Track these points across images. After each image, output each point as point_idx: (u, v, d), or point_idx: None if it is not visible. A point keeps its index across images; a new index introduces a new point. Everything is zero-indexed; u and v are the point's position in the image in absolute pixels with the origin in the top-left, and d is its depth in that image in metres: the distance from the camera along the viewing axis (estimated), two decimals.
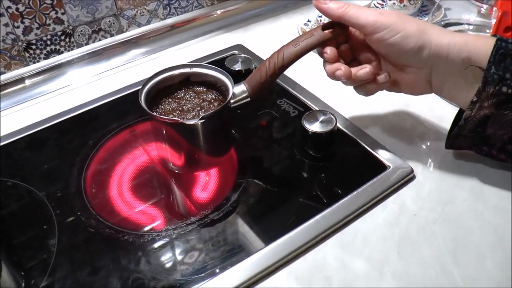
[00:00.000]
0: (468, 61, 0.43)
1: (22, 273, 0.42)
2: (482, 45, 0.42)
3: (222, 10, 0.79)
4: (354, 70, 0.47)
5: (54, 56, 0.68)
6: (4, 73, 0.65)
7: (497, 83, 0.41)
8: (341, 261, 0.42)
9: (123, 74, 0.69)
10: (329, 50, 0.47)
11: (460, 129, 0.47)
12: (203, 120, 0.45)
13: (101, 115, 0.61)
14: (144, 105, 0.47)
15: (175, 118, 0.46)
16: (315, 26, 0.74)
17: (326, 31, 0.48)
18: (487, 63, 0.41)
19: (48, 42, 0.66)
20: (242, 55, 0.65)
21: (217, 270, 0.41)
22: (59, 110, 0.61)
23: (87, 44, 0.70)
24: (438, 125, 0.56)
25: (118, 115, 0.60)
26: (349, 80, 0.47)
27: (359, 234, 0.45)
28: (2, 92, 0.64)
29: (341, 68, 0.46)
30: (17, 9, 0.61)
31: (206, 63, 0.52)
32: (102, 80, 0.68)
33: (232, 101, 0.48)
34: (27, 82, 0.66)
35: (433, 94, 0.48)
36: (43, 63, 0.67)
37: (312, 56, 0.50)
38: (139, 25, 0.73)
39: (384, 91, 0.50)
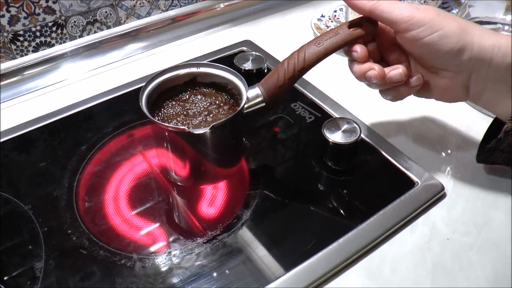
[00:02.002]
0: None
1: None
2: None
3: (228, 3, 0.73)
4: (386, 70, 0.42)
5: (44, 49, 0.61)
6: None
7: None
8: None
9: (120, 70, 0.63)
10: (360, 49, 0.42)
11: (498, 143, 0.41)
12: (212, 130, 0.39)
13: (96, 116, 0.55)
14: (145, 109, 0.41)
15: (181, 127, 0.40)
16: (330, 22, 0.69)
17: (354, 29, 0.42)
18: None
19: (38, 34, 0.60)
20: (253, 52, 0.59)
21: None
22: (49, 110, 0.55)
23: (81, 36, 0.63)
24: (467, 135, 0.51)
25: (115, 116, 0.54)
26: (381, 81, 0.41)
27: (386, 260, 0.40)
28: None
29: (374, 68, 0.41)
30: None
31: (214, 61, 0.46)
32: (97, 76, 0.62)
33: (245, 106, 0.42)
34: (13, 77, 0.60)
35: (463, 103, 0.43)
36: (32, 57, 0.61)
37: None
38: (139, 17, 0.67)
39: (408, 97, 0.45)
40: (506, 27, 0.55)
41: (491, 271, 0.39)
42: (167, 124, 0.40)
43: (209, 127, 0.39)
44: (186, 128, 0.39)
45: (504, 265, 0.39)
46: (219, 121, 0.39)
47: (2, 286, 0.38)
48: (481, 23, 0.58)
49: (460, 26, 0.39)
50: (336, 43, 0.42)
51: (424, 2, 0.70)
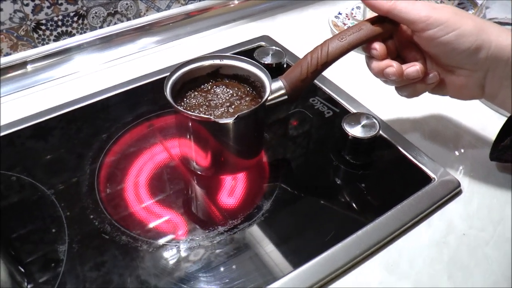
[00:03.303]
0: None
1: (27, 285, 0.38)
2: None
3: None
4: (403, 67, 0.42)
5: (65, 38, 0.62)
6: (10, 54, 0.59)
7: None
8: (385, 285, 0.38)
9: (137, 62, 0.64)
10: (379, 46, 0.42)
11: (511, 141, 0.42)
12: (237, 120, 0.40)
13: (115, 106, 0.56)
14: (170, 98, 0.42)
15: (206, 116, 0.41)
16: (347, 19, 0.69)
17: (377, 26, 0.43)
18: None
19: (59, 23, 0.61)
20: (273, 47, 0.60)
21: None
22: (68, 99, 0.56)
23: (101, 27, 0.64)
24: (482, 134, 0.52)
25: (134, 106, 0.55)
26: (398, 78, 0.42)
27: (404, 254, 0.40)
28: (5, 76, 0.59)
29: (392, 65, 0.41)
30: None
31: (234, 54, 0.47)
32: (115, 67, 0.63)
33: (268, 98, 0.43)
34: (33, 66, 0.60)
35: (479, 100, 0.43)
36: (52, 46, 0.61)
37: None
38: (158, 10, 0.68)
39: (424, 94, 0.46)
40: None
41: (507, 267, 0.39)
42: (192, 113, 0.40)
43: (233, 117, 0.40)
44: (212, 118, 0.40)
45: None
46: (244, 112, 0.40)
47: (21, 269, 0.39)
48: (499, 24, 0.58)
49: (477, 25, 0.39)
50: (359, 39, 0.43)
51: (441, 1, 0.70)
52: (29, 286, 0.37)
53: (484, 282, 0.38)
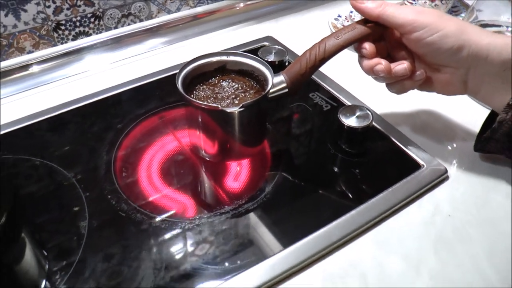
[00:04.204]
0: (508, 63, 0.42)
1: (47, 255, 0.42)
2: None
3: (251, 2, 0.78)
4: (391, 65, 0.46)
5: (82, 37, 0.67)
6: (32, 52, 0.64)
7: None
8: (376, 259, 0.42)
9: (148, 61, 0.68)
10: (368, 46, 0.47)
11: (492, 132, 0.46)
12: (242, 109, 0.44)
13: (128, 100, 0.60)
14: (181, 89, 0.46)
15: (214, 105, 0.45)
16: (346, 22, 0.73)
17: (369, 25, 0.47)
18: None
19: (77, 24, 0.65)
20: (276, 46, 0.64)
21: (253, 261, 0.40)
22: (83, 94, 0.60)
23: (115, 28, 0.69)
24: (469, 127, 0.56)
25: (146, 101, 0.59)
26: (387, 75, 0.46)
27: (394, 232, 0.44)
28: (27, 72, 0.63)
29: (381, 62, 0.46)
30: None
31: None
32: (126, 66, 0.67)
33: (270, 91, 0.47)
34: (51, 63, 0.65)
35: (467, 97, 0.47)
36: (69, 45, 0.66)
37: (344, 51, 0.49)
38: (169, 12, 0.72)
39: (415, 91, 0.50)
40: (510, 29, 0.60)
41: (488, 244, 0.43)
42: (201, 102, 0.45)
43: (239, 106, 0.44)
44: (219, 106, 0.44)
45: (500, 240, 0.44)
46: (248, 101, 0.44)
47: (45, 253, 0.43)
48: (486, 25, 0.62)
49: (458, 26, 0.43)
50: (354, 37, 0.47)
51: (435, 5, 0.75)
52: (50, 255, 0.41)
53: (466, 257, 0.42)
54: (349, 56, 0.49)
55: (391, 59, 0.48)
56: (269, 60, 0.61)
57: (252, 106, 0.45)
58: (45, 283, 0.39)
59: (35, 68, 0.64)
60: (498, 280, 0.40)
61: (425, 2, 0.75)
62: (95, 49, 0.68)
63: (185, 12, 0.73)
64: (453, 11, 0.78)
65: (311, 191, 0.48)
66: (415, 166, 0.49)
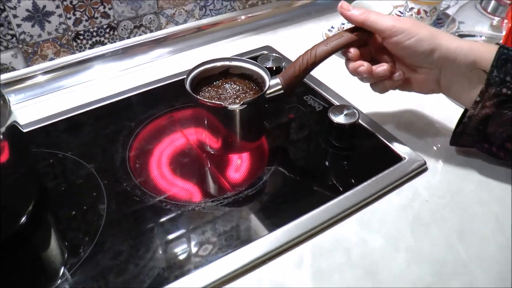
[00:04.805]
0: (474, 64, 0.48)
1: (71, 233, 0.48)
2: (487, 51, 0.48)
3: (251, 14, 0.85)
4: (373, 67, 0.53)
5: (98, 46, 0.74)
6: (53, 59, 0.71)
7: (498, 85, 0.47)
8: (360, 237, 0.48)
9: (157, 68, 0.75)
10: (353, 50, 0.53)
11: (464, 127, 0.52)
12: (244, 106, 0.50)
13: (140, 102, 0.67)
14: (189, 90, 0.52)
15: (218, 102, 0.52)
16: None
17: (354, 34, 0.53)
18: (490, 66, 0.47)
19: (94, 34, 0.72)
20: (273, 54, 0.71)
21: (252, 237, 0.46)
22: (99, 97, 0.67)
23: (128, 37, 0.76)
24: (449, 125, 0.62)
25: (155, 103, 0.66)
26: (369, 75, 0.52)
27: (376, 214, 0.50)
28: (49, 77, 0.70)
29: (363, 64, 0.52)
30: (70, 2, 0.67)
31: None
32: (138, 72, 0.74)
33: (268, 92, 0.54)
34: (69, 69, 0.72)
35: (445, 98, 0.53)
36: (87, 53, 0.73)
37: (336, 59, 0.56)
38: (177, 23, 0.79)
39: (400, 93, 0.56)
40: (483, 38, 0.66)
41: (459, 225, 0.49)
42: (207, 100, 0.51)
43: (240, 104, 0.50)
44: (223, 104, 0.50)
45: (470, 221, 0.49)
46: (248, 99, 0.51)
47: (68, 231, 0.49)
48: (463, 35, 0.69)
49: (431, 32, 0.50)
50: (341, 44, 0.53)
51: (420, 17, 0.81)
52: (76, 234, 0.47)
53: (440, 236, 0.48)
54: (340, 62, 0.56)
55: (375, 62, 0.54)
56: (267, 66, 0.68)
57: (251, 103, 0.51)
58: (69, 257, 0.45)
59: (56, 74, 0.70)
60: (467, 255, 0.46)
61: (411, 15, 0.82)
62: (108, 57, 0.74)
63: (191, 24, 0.80)
64: (438, 23, 0.85)
65: (304, 180, 0.54)
66: (397, 158, 0.55)
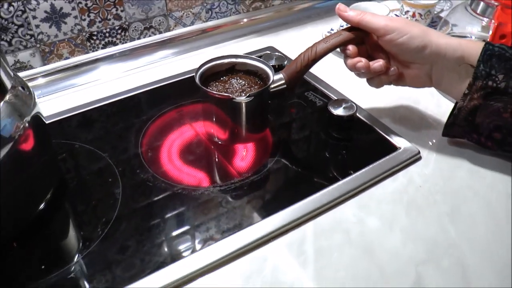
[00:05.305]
0: (462, 59, 0.52)
1: (89, 215, 0.51)
2: (474, 47, 0.52)
3: (255, 17, 0.89)
4: (370, 63, 0.57)
5: (110, 46, 0.78)
6: (68, 58, 0.75)
7: (484, 78, 0.51)
8: (358, 218, 0.51)
9: (166, 67, 0.79)
10: (351, 48, 0.57)
11: (454, 118, 0.56)
12: (250, 98, 0.54)
13: (150, 98, 0.71)
14: (199, 83, 0.56)
15: (225, 94, 0.56)
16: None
17: (352, 32, 0.58)
18: (477, 61, 0.51)
19: (107, 35, 0.77)
20: (276, 53, 0.75)
21: (260, 217, 0.50)
22: (111, 93, 0.71)
23: (139, 38, 0.80)
24: (442, 119, 0.65)
25: (165, 98, 0.70)
26: (367, 70, 0.56)
27: (373, 198, 0.54)
28: (64, 74, 0.74)
29: (361, 60, 0.56)
30: (85, 5, 0.72)
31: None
32: (148, 71, 0.78)
33: (271, 86, 0.58)
34: (83, 68, 0.76)
35: (439, 94, 0.57)
36: (99, 53, 0.77)
37: (335, 59, 0.60)
38: (184, 25, 0.84)
39: (395, 90, 0.60)
40: (473, 37, 0.70)
41: (450, 208, 0.52)
42: (216, 92, 0.55)
43: (246, 96, 0.54)
44: (231, 95, 0.54)
45: (460, 205, 0.53)
46: (254, 92, 0.55)
47: (86, 214, 0.52)
48: (456, 36, 0.73)
49: (422, 30, 0.54)
50: (339, 41, 0.57)
51: (415, 20, 0.86)
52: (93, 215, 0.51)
53: (432, 218, 0.51)
54: (339, 62, 0.60)
55: (371, 59, 0.58)
56: (271, 64, 0.71)
57: (256, 96, 0.55)
58: (89, 235, 0.49)
59: (70, 72, 0.75)
60: (457, 235, 0.49)
61: (407, 18, 0.87)
62: (119, 57, 0.78)
63: (196, 26, 0.85)
64: (433, 25, 0.90)
65: (305, 167, 0.58)
66: (393, 148, 0.59)
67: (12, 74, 0.49)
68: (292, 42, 0.86)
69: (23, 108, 0.48)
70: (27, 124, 0.48)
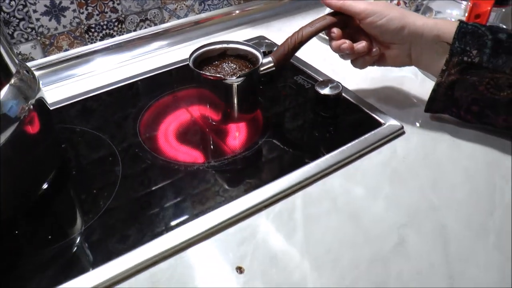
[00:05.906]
0: (438, 38, 0.56)
1: (91, 191, 0.54)
2: (449, 26, 0.55)
3: (246, 9, 0.93)
4: (354, 44, 0.60)
5: (108, 38, 0.81)
6: (68, 50, 0.78)
7: (460, 54, 0.54)
8: (344, 188, 0.54)
9: (160, 57, 0.82)
10: (336, 30, 0.61)
11: (435, 94, 0.59)
12: (240, 78, 0.57)
13: (146, 85, 0.74)
14: (192, 67, 0.60)
15: (218, 75, 0.59)
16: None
17: (335, 17, 0.61)
18: (452, 39, 0.54)
19: (104, 27, 0.80)
20: (266, 41, 0.79)
21: (254, 186, 0.53)
22: (109, 82, 0.74)
23: (135, 30, 0.83)
24: (425, 97, 0.68)
25: (161, 85, 0.73)
26: (351, 51, 0.60)
27: (359, 170, 0.57)
28: (64, 65, 0.78)
29: (346, 42, 0.59)
30: None
31: None
32: (144, 61, 0.81)
33: (261, 68, 0.61)
34: (82, 58, 0.79)
35: (423, 75, 0.60)
36: (97, 44, 0.80)
37: (322, 45, 0.63)
38: (178, 17, 0.87)
39: (380, 72, 0.63)
40: (453, 19, 0.74)
41: (432, 179, 0.55)
42: (209, 74, 0.58)
43: (237, 76, 0.57)
44: (222, 76, 0.58)
45: (442, 176, 0.56)
46: (244, 72, 0.58)
47: (88, 190, 0.56)
48: None
49: (400, 12, 0.57)
50: (323, 25, 0.61)
51: (400, 7, 0.89)
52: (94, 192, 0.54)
53: (414, 187, 0.55)
54: (325, 47, 0.63)
55: (354, 41, 0.62)
56: (261, 50, 0.75)
57: (247, 77, 0.58)
58: (91, 208, 0.52)
59: (70, 63, 0.78)
60: (438, 201, 0.53)
61: None
62: (115, 48, 0.82)
63: (190, 18, 0.88)
64: (417, 10, 0.93)
65: (295, 143, 0.61)
66: (377, 124, 0.62)
67: (17, 60, 0.52)
68: (282, 32, 0.89)
69: (28, 92, 0.51)
70: (31, 106, 0.51)
